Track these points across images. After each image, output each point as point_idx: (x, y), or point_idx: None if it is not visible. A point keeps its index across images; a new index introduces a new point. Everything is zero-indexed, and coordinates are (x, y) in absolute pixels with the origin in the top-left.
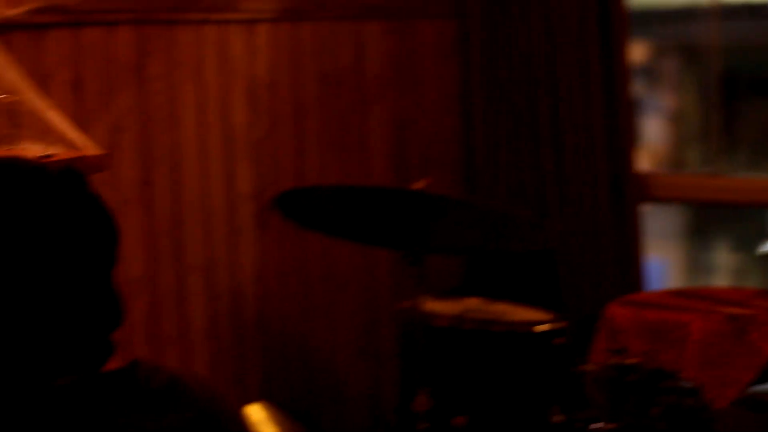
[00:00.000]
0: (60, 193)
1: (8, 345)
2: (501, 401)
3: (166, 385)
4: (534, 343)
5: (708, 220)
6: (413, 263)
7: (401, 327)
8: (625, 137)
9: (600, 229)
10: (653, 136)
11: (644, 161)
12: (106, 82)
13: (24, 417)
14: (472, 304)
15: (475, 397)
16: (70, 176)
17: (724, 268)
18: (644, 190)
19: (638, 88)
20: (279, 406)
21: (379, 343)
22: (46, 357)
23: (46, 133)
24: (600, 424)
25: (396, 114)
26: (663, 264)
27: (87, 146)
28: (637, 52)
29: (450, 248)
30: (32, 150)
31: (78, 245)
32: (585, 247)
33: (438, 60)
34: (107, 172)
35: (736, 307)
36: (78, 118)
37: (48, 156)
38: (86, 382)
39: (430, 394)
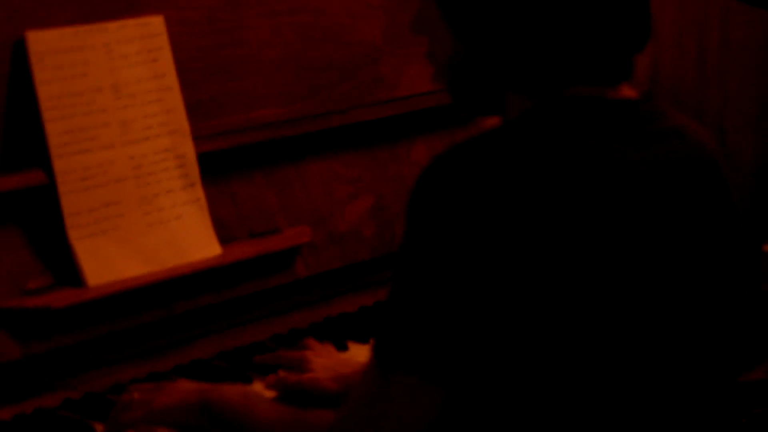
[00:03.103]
0: None
1: (532, 42)
2: None
3: (670, 127)
4: None
5: None
6: None
7: None
8: None
9: None
10: None
11: None
12: None
13: (532, 121)
14: None
15: None
16: None
17: None
18: None
19: None
20: None
21: None
22: (564, 62)
23: None
24: None
25: None
26: None
27: None
28: None
29: None
30: None
31: None
32: None
33: None
34: None
35: None
36: None
37: None
38: (592, 100)
39: None
